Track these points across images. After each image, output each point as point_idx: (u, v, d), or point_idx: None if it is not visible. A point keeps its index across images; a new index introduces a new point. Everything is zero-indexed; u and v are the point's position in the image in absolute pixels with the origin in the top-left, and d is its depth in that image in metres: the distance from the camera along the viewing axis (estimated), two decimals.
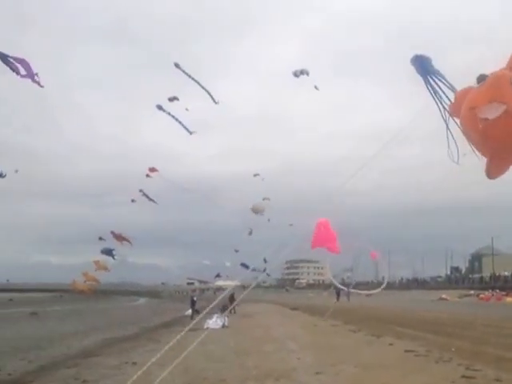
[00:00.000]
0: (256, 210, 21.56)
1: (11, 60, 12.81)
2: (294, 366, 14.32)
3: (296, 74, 16.08)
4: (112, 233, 25.65)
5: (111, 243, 25.69)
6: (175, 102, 16.94)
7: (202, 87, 14.91)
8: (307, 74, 16.22)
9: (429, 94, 5.51)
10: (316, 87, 17.58)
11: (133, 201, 27.82)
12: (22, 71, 12.48)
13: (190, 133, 17.99)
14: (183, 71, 14.22)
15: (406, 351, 16.07)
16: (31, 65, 12.75)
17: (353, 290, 24.45)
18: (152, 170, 24.08)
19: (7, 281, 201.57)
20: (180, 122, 16.96)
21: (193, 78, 14.41)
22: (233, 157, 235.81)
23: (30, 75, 12.62)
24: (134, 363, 15.97)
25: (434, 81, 5.53)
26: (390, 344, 18.10)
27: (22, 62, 13.44)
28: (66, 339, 26.26)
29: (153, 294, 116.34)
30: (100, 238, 26.69)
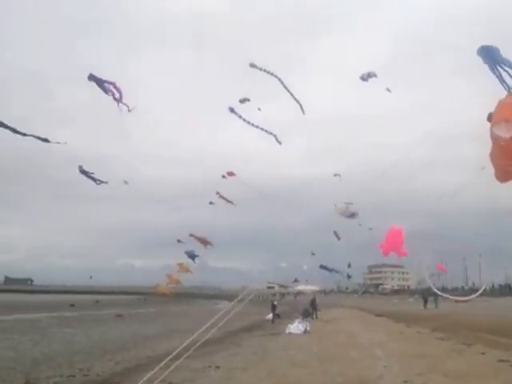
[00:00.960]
0: (343, 213, 21.05)
1: (106, 84, 13.35)
2: (381, 373, 13.82)
3: (364, 78, 15.59)
4: (191, 235, 25.90)
5: (190, 246, 25.96)
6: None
7: (289, 92, 14.63)
8: (375, 76, 15.68)
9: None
10: (388, 89, 16.99)
11: (211, 203, 28.01)
12: (115, 94, 12.99)
13: (280, 142, 17.70)
14: (267, 71, 14.00)
15: (500, 361, 15.19)
16: (122, 89, 13.23)
17: (444, 295, 23.35)
18: (230, 173, 24.13)
19: (90, 277, 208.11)
20: (263, 129, 16.76)
21: (279, 80, 14.15)
22: (314, 158, 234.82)
23: (120, 98, 13.07)
24: (218, 367, 15.96)
25: (503, 69, 5.33)
26: (482, 353, 17.16)
27: (114, 85, 13.97)
28: (150, 341, 26.75)
29: (233, 297, 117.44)
30: (178, 241, 27.02)
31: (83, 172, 17.37)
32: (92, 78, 13.32)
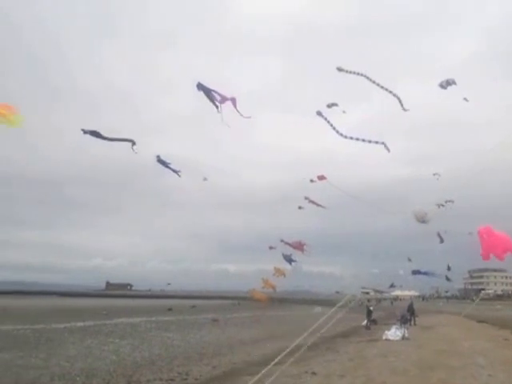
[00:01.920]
0: (419, 218, 20.16)
1: (215, 94, 13.61)
2: (485, 383, 13.08)
3: (443, 86, 14.92)
4: (282, 241, 25.85)
5: (283, 251, 25.91)
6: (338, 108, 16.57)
7: (385, 88, 14.22)
8: (454, 83, 14.95)
9: None
10: (465, 99, 16.22)
11: (300, 208, 27.84)
12: (222, 102, 13.20)
13: (389, 150, 17.21)
14: (356, 73, 13.71)
15: None
16: (236, 101, 13.44)
17: None
18: (321, 177, 23.86)
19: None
20: (364, 140, 16.38)
21: (369, 79, 13.82)
22: (410, 160, 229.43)
23: (234, 105, 13.26)
24: (314, 373, 15.75)
25: None
26: None
27: (232, 99, 14.20)
28: (245, 346, 26.90)
29: (327, 302, 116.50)
30: (270, 248, 27.06)
31: (161, 162, 18.02)
32: (200, 87, 13.55)
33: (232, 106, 13.30)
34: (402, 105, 14.51)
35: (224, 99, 13.88)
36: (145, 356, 22.62)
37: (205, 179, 22.89)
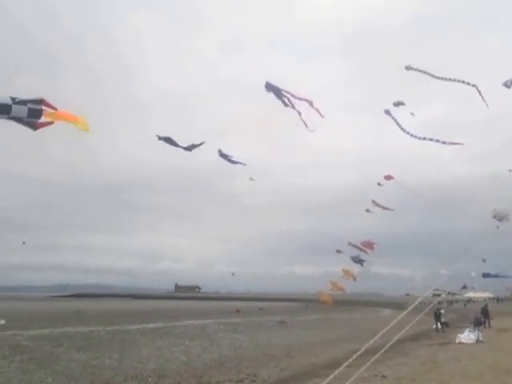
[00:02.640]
0: (501, 216, 19.42)
1: (286, 94, 13.72)
2: None
3: (507, 85, 14.23)
4: (350, 244, 25.61)
5: (352, 253, 25.65)
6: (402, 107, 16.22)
7: (465, 82, 13.76)
8: None
9: None
10: None
11: (367, 211, 27.49)
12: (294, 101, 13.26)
13: (461, 144, 16.72)
14: (425, 72, 13.39)
15: None
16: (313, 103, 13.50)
17: None
18: (388, 177, 23.47)
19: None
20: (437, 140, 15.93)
21: (437, 77, 13.45)
22: (473, 157, 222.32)
23: (311, 105, 13.26)
24: (384, 376, 15.48)
25: None
26: None
27: (309, 101, 14.24)
28: (313, 348, 26.74)
29: (396, 305, 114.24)
30: (338, 251, 26.83)
31: (223, 156, 18.29)
32: (269, 87, 13.62)
33: (305, 107, 13.22)
34: (482, 98, 14.00)
35: (299, 100, 13.84)
36: (214, 357, 22.90)
37: (251, 179, 23.07)
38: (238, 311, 68.47)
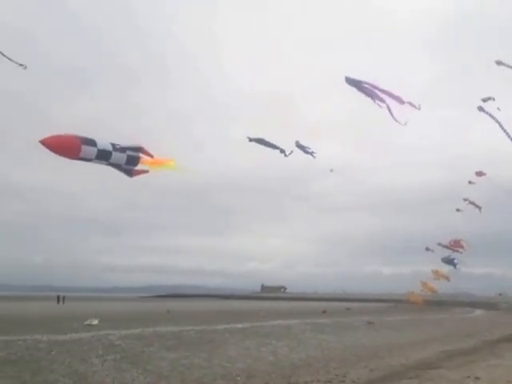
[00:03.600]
0: None
1: (368, 86, 13.67)
2: None
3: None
4: (440, 244, 24.89)
5: (440, 254, 24.92)
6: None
7: None
8: None
9: None
10: None
11: (458, 210, 26.63)
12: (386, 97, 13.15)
13: None
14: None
15: None
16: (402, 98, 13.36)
17: None
18: (479, 173, 22.62)
19: (343, 291, 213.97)
20: None
21: None
22: None
23: (400, 101, 13.11)
24: (477, 378, 14.89)
25: None
26: None
27: (398, 97, 14.11)
28: (403, 349, 26.15)
29: (489, 305, 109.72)
30: (427, 249, 26.10)
31: (300, 147, 18.29)
32: (350, 81, 13.51)
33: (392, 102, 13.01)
34: None
35: (383, 92, 13.65)
36: (301, 357, 22.85)
37: (331, 170, 22.97)
38: (324, 311, 68.03)
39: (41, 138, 12.41)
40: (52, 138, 12.60)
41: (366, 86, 12.90)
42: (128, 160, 14.68)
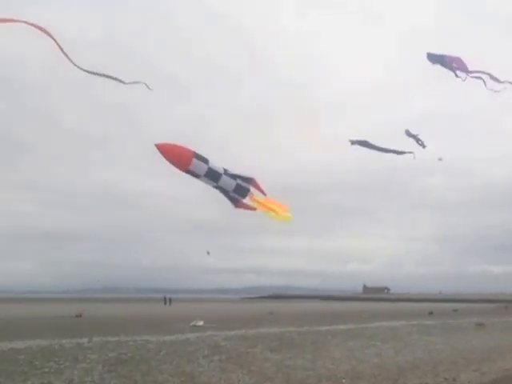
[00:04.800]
0: None
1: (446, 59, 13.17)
2: None
3: None
4: None
5: None
6: None
7: None
8: None
9: None
10: None
11: None
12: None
13: None
14: None
15: None
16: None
17: None
18: None
19: (439, 292, 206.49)
20: None
21: None
22: None
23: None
24: None
25: None
26: None
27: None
28: None
29: None
30: None
31: (410, 135, 17.80)
32: (431, 57, 13.02)
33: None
34: None
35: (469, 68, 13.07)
36: (408, 360, 22.22)
37: (439, 159, 22.14)
38: (430, 313, 65.93)
39: (157, 142, 12.92)
40: (167, 144, 13.09)
41: (449, 60, 12.26)
42: (237, 188, 14.68)
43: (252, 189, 14.96)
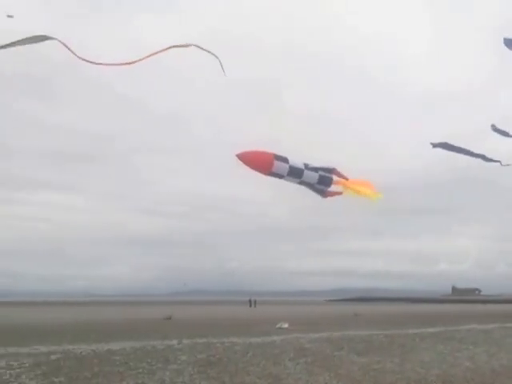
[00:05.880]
0: None
1: None
2: None
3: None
4: None
5: None
6: None
7: None
8: None
9: None
10: None
11: None
12: None
13: None
14: None
15: None
16: None
17: None
18: None
19: None
20: None
21: None
22: None
23: None
24: None
25: None
26: None
27: None
28: None
29: None
30: None
31: (497, 131, 17.21)
32: (509, 43, 12.53)
33: None
34: None
35: None
36: (503, 364, 21.25)
37: None
38: None
39: (237, 152, 13.15)
40: (247, 152, 13.31)
41: None
42: (320, 180, 14.95)
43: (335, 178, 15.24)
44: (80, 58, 9.77)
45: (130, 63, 10.19)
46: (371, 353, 23.91)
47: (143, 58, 10.23)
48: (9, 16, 11.37)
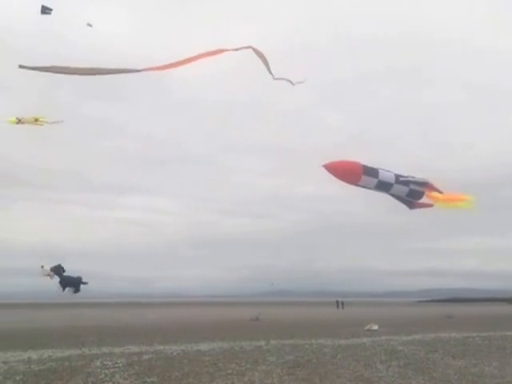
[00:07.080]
0: None
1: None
2: None
3: None
4: None
5: None
6: None
7: None
8: None
9: None
10: None
11: None
12: None
13: None
14: None
15: None
16: None
17: None
18: None
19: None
20: None
21: None
22: None
23: None
24: None
25: None
26: None
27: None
28: None
29: None
30: None
31: None
32: None
33: None
34: None
35: None
36: None
37: None
38: None
39: (324, 162, 12.88)
40: (335, 163, 13.01)
41: None
42: (410, 193, 14.53)
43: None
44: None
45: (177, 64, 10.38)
46: (467, 356, 22.83)
47: (192, 59, 10.31)
48: (88, 25, 11.74)
